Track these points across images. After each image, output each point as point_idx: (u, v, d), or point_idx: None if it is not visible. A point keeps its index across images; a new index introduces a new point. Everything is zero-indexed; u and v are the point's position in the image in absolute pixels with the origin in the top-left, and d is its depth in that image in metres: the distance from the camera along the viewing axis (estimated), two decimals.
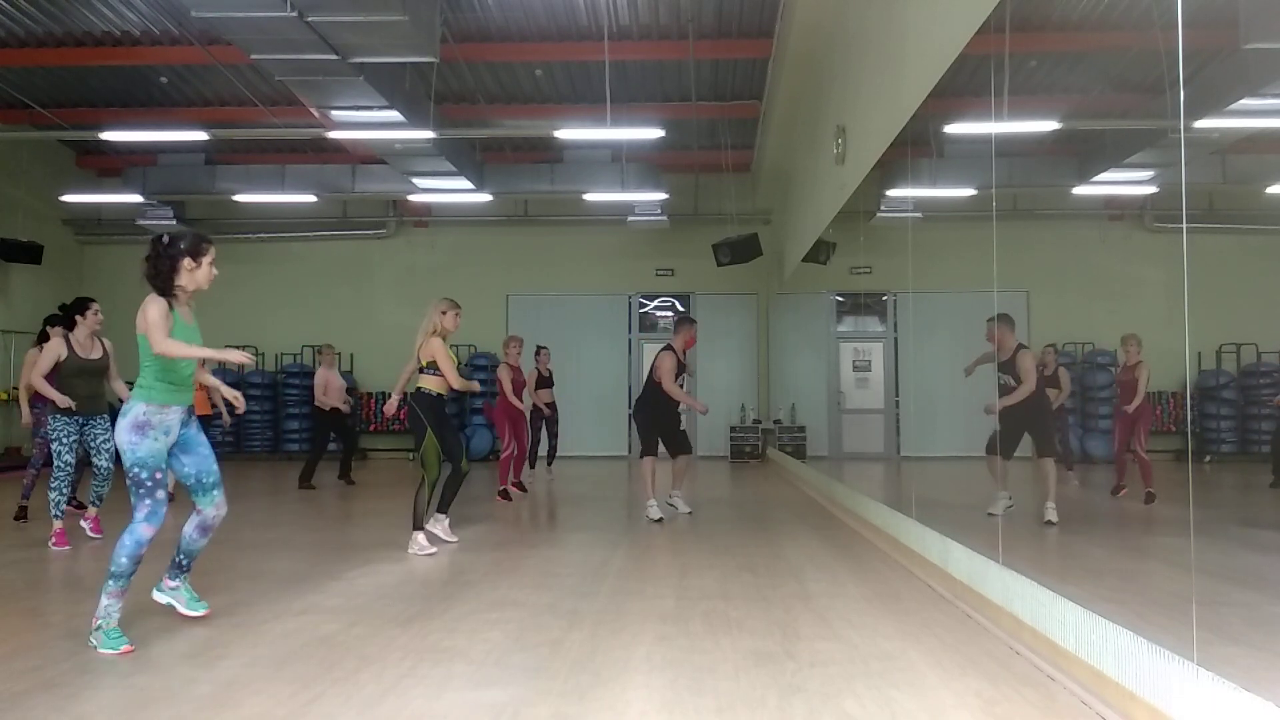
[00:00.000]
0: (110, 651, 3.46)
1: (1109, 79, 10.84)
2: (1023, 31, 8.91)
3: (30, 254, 13.33)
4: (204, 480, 3.88)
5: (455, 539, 6.23)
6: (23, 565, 5.45)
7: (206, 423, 9.44)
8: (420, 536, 5.84)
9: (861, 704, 2.87)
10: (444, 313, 6.04)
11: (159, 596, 4.01)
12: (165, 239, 3.76)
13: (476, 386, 6.75)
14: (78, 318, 6.31)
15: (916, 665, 3.30)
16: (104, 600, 3.56)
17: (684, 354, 7.74)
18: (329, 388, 10.30)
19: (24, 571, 5.27)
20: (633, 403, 8.11)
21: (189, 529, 3.96)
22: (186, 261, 3.74)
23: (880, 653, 3.45)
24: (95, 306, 6.36)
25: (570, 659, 3.38)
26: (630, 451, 14.72)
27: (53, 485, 6.27)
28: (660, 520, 7.31)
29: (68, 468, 6.31)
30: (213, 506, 3.92)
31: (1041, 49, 9.67)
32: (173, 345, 3.61)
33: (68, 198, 14.33)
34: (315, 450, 10.53)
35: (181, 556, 4.00)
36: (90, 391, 6.28)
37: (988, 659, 3.37)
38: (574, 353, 15.20)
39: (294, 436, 14.96)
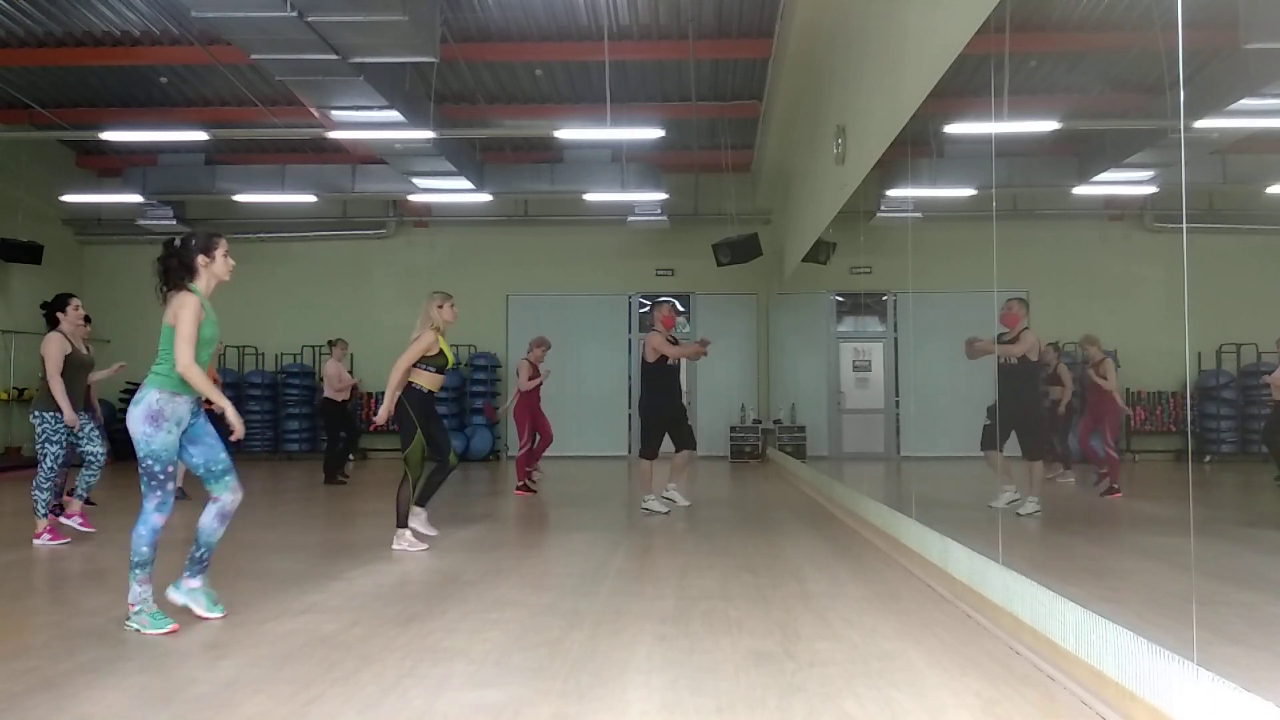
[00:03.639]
0: (158, 631, 3.67)
1: (1109, 79, 10.84)
2: (1023, 31, 8.90)
3: (30, 254, 13.32)
4: (213, 469, 3.95)
5: (434, 532, 6.22)
6: (21, 565, 5.45)
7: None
8: (408, 533, 5.86)
9: (861, 704, 2.87)
10: (439, 306, 6.00)
11: (175, 596, 3.96)
12: (176, 241, 3.91)
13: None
14: (59, 314, 6.21)
15: (916, 665, 3.29)
16: (136, 588, 3.73)
17: (670, 336, 7.76)
18: (340, 380, 10.41)
19: (23, 571, 5.27)
20: (633, 403, 8.12)
21: (207, 518, 3.95)
22: (201, 259, 3.90)
23: (880, 653, 3.45)
24: (75, 302, 6.28)
25: (570, 659, 3.38)
26: (630, 451, 14.71)
27: (42, 485, 6.07)
28: (660, 513, 7.48)
29: (57, 466, 6.14)
30: (228, 491, 3.97)
31: (1041, 49, 9.67)
32: (193, 370, 3.77)
33: (68, 198, 14.32)
34: (348, 440, 10.63)
35: (201, 550, 3.97)
36: (81, 387, 6.30)
37: (988, 659, 3.37)
38: (574, 353, 15.19)
39: (294, 436, 14.96)
